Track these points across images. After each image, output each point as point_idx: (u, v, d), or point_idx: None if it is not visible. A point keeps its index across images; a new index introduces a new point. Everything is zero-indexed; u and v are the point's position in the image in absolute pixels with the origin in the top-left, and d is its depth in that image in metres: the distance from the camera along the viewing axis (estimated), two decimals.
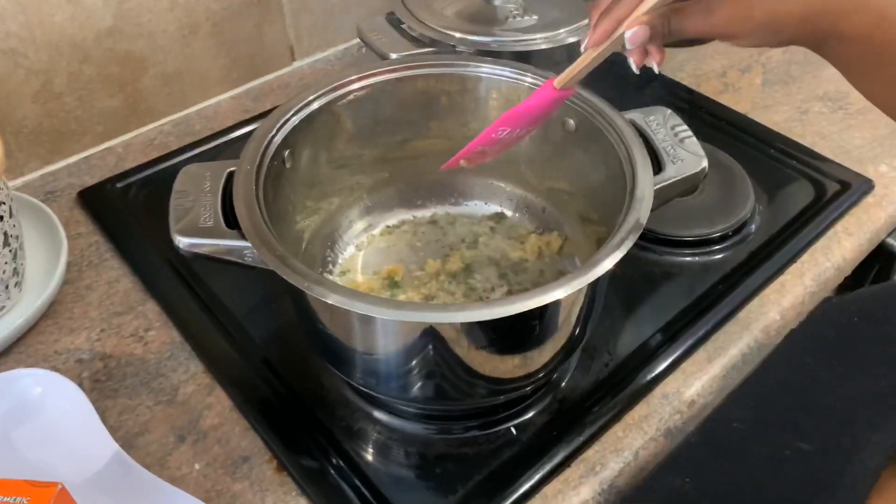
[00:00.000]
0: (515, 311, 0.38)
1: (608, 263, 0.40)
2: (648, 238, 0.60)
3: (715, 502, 0.40)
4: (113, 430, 0.48)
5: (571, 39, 0.65)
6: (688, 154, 0.48)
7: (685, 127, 0.50)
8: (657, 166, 0.47)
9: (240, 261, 0.43)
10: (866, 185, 0.65)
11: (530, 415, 0.50)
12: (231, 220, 0.43)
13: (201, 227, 0.43)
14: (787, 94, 0.76)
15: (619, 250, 0.40)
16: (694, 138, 0.49)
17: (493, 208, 0.60)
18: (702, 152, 0.48)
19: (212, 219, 0.43)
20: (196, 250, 0.43)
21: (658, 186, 0.45)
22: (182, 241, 0.43)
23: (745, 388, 0.45)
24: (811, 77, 0.78)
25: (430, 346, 0.42)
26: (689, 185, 0.48)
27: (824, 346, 0.44)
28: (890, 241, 0.68)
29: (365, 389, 0.49)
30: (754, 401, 0.43)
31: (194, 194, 0.45)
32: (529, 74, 0.52)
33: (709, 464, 0.41)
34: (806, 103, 0.75)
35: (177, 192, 0.45)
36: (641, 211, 0.42)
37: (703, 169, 0.47)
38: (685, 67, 0.80)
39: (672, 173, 0.47)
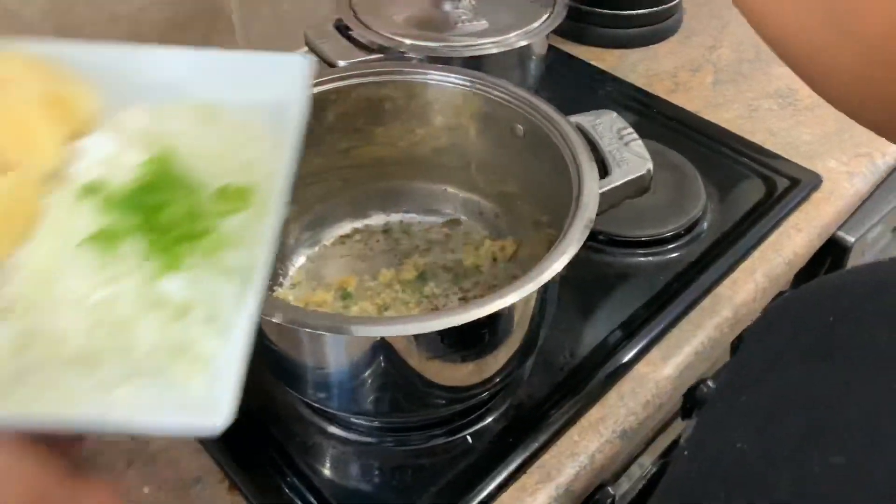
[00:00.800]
0: (462, 322, 0.38)
1: (556, 267, 0.40)
2: (601, 239, 0.60)
3: None
4: None
5: (522, 43, 0.66)
6: (633, 157, 0.48)
7: (631, 130, 0.50)
8: (603, 170, 0.47)
9: None
10: (815, 181, 0.66)
11: (487, 422, 0.49)
12: None
13: None
14: (738, 92, 0.77)
15: (566, 255, 0.40)
16: (639, 141, 0.49)
17: (447, 215, 0.60)
18: (647, 155, 0.48)
19: None
20: None
21: (603, 190, 0.45)
22: None
23: (731, 409, 0.37)
24: (761, 74, 0.79)
25: (381, 360, 0.41)
26: (635, 188, 0.48)
27: (798, 353, 0.36)
28: (840, 234, 0.69)
29: (318, 406, 0.48)
30: (752, 420, 0.35)
31: None
32: (475, 80, 0.52)
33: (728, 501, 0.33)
34: (756, 101, 0.76)
35: None
36: (587, 215, 0.42)
37: (649, 171, 0.47)
38: (637, 68, 0.81)
39: (617, 177, 0.47)
